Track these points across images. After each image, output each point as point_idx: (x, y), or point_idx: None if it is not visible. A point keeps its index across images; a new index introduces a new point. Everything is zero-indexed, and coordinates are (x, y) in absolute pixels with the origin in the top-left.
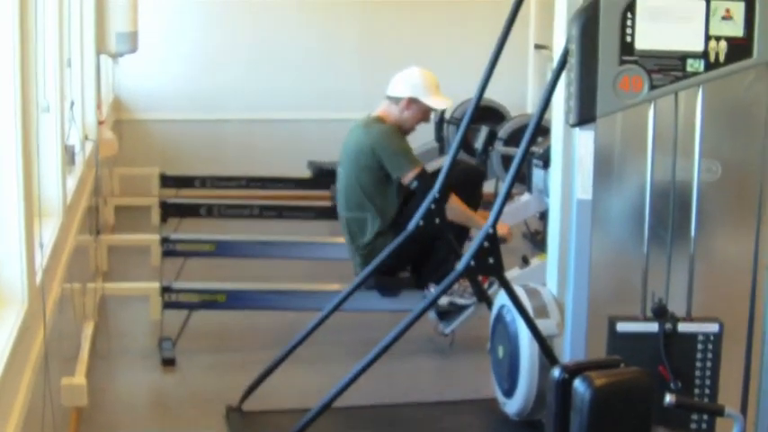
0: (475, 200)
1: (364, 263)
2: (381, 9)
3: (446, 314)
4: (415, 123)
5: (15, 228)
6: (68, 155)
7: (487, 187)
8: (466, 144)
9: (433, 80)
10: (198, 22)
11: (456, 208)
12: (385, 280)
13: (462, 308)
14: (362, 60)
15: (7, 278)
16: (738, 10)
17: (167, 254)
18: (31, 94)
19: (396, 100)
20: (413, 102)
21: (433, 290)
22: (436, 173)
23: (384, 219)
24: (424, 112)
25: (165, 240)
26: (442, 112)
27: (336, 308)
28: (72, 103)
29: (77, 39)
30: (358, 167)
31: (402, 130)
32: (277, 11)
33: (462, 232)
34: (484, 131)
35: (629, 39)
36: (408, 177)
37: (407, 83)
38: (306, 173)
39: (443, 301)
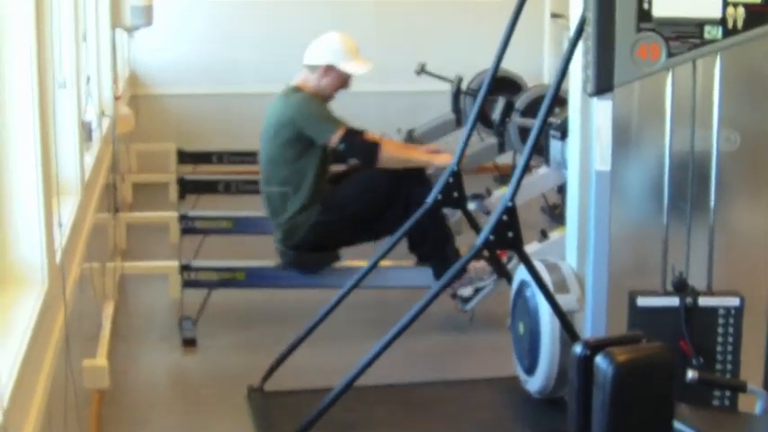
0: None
1: (286, 238)
2: None
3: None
4: (333, 90)
5: (34, 207)
6: (85, 131)
7: (505, 159)
8: (483, 115)
9: (351, 45)
10: None
11: (390, 156)
12: (310, 257)
13: (484, 287)
14: (378, 31)
15: (27, 258)
16: None
17: (186, 231)
18: (48, 69)
19: (313, 68)
20: (330, 68)
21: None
22: (362, 131)
23: (306, 193)
24: (342, 79)
25: (183, 218)
26: (459, 84)
27: (356, 285)
28: (88, 79)
29: (93, 13)
30: (279, 141)
31: (322, 98)
32: None
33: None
34: (501, 102)
35: (646, 6)
36: (334, 140)
37: (324, 49)
38: None
39: (467, 291)
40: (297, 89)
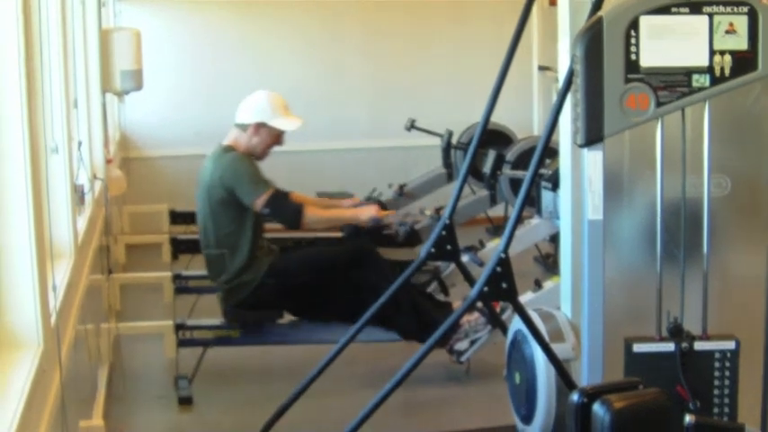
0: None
1: (227, 297)
2: (386, 38)
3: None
4: (266, 148)
5: (28, 271)
6: (78, 195)
7: (497, 211)
8: (474, 168)
9: (279, 101)
10: (200, 58)
11: (315, 218)
12: (253, 315)
13: (479, 338)
14: (367, 90)
15: (22, 321)
16: (742, 23)
17: (180, 291)
18: (40, 135)
19: (243, 127)
20: (260, 126)
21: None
22: (287, 193)
23: (244, 254)
24: (274, 136)
25: (176, 277)
26: (449, 138)
27: (351, 340)
28: (80, 143)
29: (83, 78)
30: (211, 202)
31: (254, 157)
32: (280, 44)
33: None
34: (491, 155)
35: (633, 56)
36: (259, 204)
37: (253, 108)
38: None
39: (463, 345)
40: (228, 148)
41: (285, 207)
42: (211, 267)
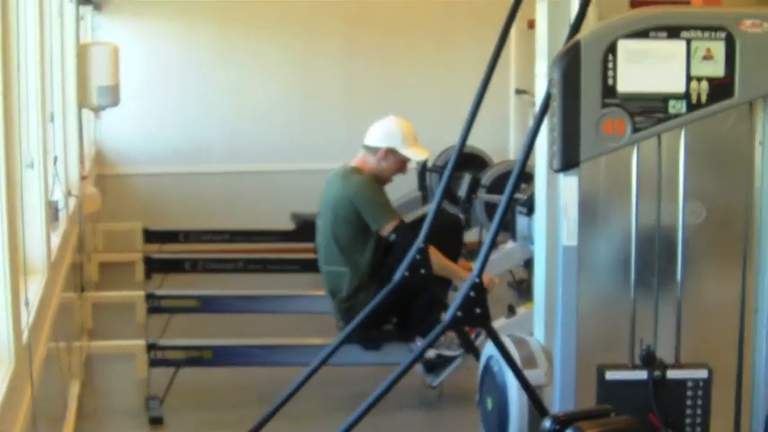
0: (456, 250)
1: (345, 317)
2: (364, 59)
3: (434, 366)
4: (392, 174)
5: (1, 286)
6: (52, 211)
7: (471, 236)
8: (449, 192)
9: (410, 130)
10: (178, 76)
11: (436, 262)
12: (368, 333)
13: (450, 359)
14: (345, 110)
15: None
16: (719, 50)
17: (152, 310)
18: (15, 150)
19: (373, 150)
20: (390, 152)
21: (419, 343)
22: (414, 224)
23: (364, 272)
24: (401, 163)
25: (149, 296)
26: (425, 161)
27: (323, 363)
28: (55, 159)
29: (59, 93)
30: (336, 220)
31: (379, 181)
32: (258, 62)
33: (445, 282)
34: (467, 179)
35: (610, 81)
36: (387, 230)
37: (385, 133)
38: (289, 225)
39: (431, 353)
40: (356, 170)
41: (411, 239)
42: (329, 284)
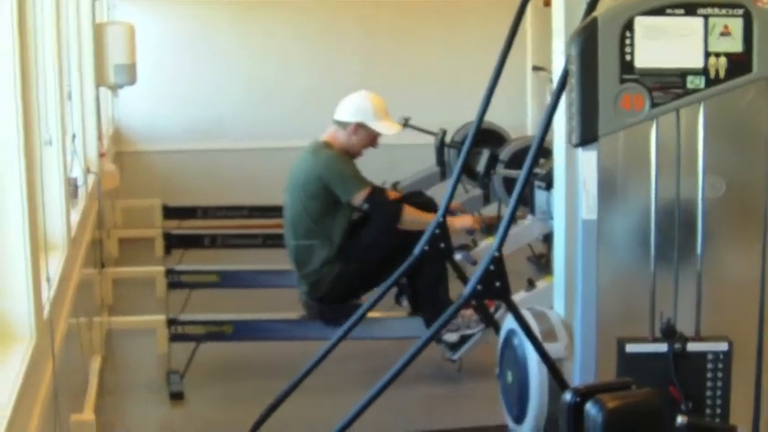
0: None
1: (311, 290)
2: (380, 36)
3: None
4: (362, 148)
5: (22, 263)
6: (71, 188)
7: (490, 211)
8: (467, 167)
9: (381, 105)
10: (194, 53)
11: (411, 219)
12: (334, 308)
13: (471, 335)
14: (360, 87)
15: (15, 313)
16: (737, 26)
17: (172, 286)
18: (34, 127)
19: (343, 125)
20: (360, 127)
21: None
22: (384, 190)
23: (332, 246)
24: (371, 137)
25: (169, 272)
26: (443, 136)
27: (343, 337)
28: (74, 136)
29: (77, 72)
30: (306, 195)
31: (349, 155)
32: (274, 41)
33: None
34: (485, 154)
35: (628, 57)
36: (358, 199)
37: (356, 107)
38: None
39: (453, 337)
40: (326, 144)
41: (384, 203)
42: (296, 258)
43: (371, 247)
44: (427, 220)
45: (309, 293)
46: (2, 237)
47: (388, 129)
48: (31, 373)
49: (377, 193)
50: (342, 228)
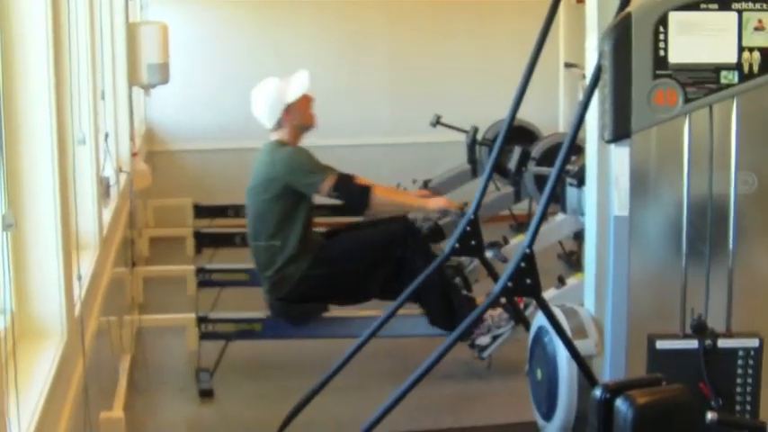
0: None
1: (273, 290)
2: (410, 33)
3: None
4: (308, 119)
5: (54, 261)
6: (103, 187)
7: (521, 207)
8: (499, 165)
9: (274, 81)
10: (227, 53)
11: (382, 201)
12: (297, 308)
13: (501, 334)
14: (391, 85)
15: (47, 311)
16: None
17: (203, 284)
18: (67, 126)
19: (278, 124)
20: (287, 110)
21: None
22: (352, 176)
23: (295, 246)
24: (302, 106)
25: (200, 270)
26: (474, 134)
27: (373, 335)
28: (106, 135)
29: (110, 71)
30: (267, 196)
31: (307, 129)
32: (303, 39)
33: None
34: (517, 152)
35: (662, 53)
36: (325, 188)
37: (270, 104)
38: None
39: (485, 340)
40: (279, 143)
41: (353, 188)
42: (259, 260)
43: (346, 256)
44: (400, 201)
45: (271, 292)
46: (34, 235)
47: (300, 86)
48: (61, 370)
49: (343, 179)
50: (303, 227)
